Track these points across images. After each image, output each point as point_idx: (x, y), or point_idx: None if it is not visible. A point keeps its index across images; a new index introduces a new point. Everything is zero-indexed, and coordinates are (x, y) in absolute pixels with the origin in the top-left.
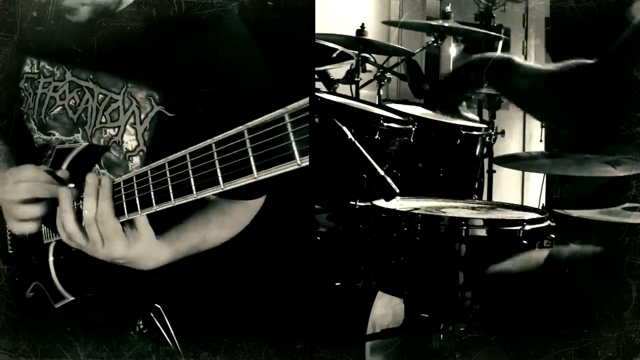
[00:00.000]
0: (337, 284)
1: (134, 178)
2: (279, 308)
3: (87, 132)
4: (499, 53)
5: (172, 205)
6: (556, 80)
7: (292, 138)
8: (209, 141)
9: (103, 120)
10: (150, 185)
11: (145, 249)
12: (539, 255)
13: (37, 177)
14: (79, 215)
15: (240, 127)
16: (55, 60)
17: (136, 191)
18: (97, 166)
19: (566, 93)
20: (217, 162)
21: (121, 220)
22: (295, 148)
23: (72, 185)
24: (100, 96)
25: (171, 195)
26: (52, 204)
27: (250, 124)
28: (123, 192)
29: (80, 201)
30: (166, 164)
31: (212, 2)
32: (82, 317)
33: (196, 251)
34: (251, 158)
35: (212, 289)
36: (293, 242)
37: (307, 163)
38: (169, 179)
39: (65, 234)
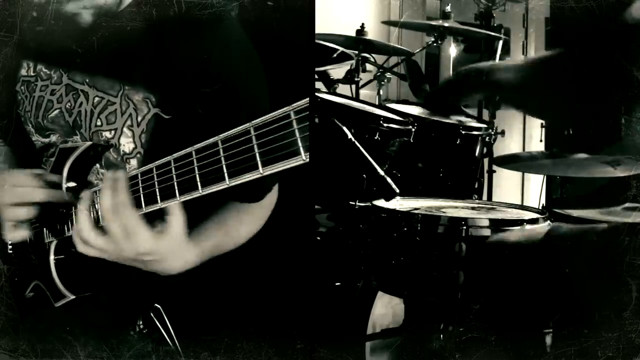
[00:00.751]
0: (337, 284)
1: (139, 175)
2: (279, 308)
3: (85, 135)
4: (482, 63)
5: (177, 201)
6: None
7: (297, 134)
8: (215, 138)
9: (99, 123)
10: (156, 182)
11: (173, 245)
12: (539, 229)
13: (28, 182)
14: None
15: (246, 124)
16: (52, 63)
17: (141, 188)
18: (97, 165)
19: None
20: (222, 158)
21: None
22: (300, 144)
23: (73, 184)
24: (97, 99)
25: (176, 191)
26: (44, 207)
27: (256, 121)
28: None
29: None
30: (172, 160)
31: (212, 2)
32: (82, 317)
33: (220, 251)
34: (257, 154)
35: (212, 289)
36: (293, 242)
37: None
38: (174, 176)
39: (82, 238)
